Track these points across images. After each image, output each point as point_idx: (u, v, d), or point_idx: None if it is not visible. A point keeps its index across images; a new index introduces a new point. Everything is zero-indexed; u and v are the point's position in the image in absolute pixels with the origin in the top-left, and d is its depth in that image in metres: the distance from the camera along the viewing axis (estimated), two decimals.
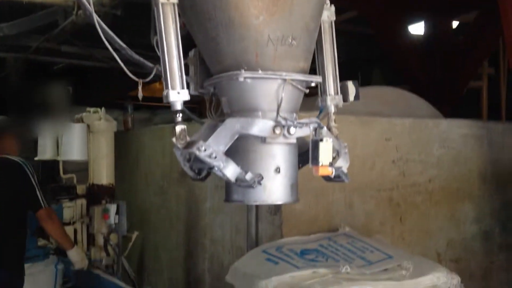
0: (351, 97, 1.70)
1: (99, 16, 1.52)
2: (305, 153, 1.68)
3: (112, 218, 3.83)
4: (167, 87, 1.46)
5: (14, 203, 3.05)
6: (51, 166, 4.27)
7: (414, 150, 3.29)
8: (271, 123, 1.50)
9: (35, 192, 2.99)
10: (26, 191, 3.00)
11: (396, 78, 5.76)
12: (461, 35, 5.52)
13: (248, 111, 1.55)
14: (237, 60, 1.49)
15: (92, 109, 4.24)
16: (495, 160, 3.58)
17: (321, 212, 2.93)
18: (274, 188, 1.55)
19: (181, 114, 1.48)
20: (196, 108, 1.69)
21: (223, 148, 1.46)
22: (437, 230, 3.35)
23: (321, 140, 1.45)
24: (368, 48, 6.16)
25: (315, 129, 1.50)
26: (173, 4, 1.45)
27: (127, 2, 3.73)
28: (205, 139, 1.47)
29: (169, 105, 1.48)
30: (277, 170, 1.55)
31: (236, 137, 1.49)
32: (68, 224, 3.92)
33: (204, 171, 1.64)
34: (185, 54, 1.52)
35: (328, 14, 1.70)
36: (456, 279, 2.32)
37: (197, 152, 1.43)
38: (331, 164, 1.48)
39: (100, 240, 3.96)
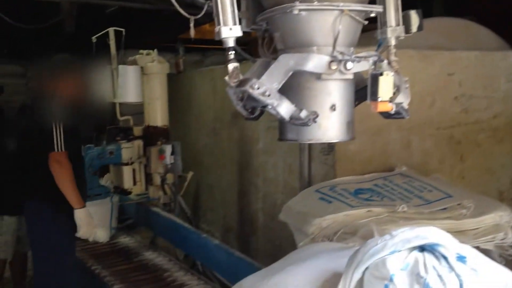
0: (414, 27, 1.58)
1: None
2: (362, 90, 1.61)
3: (168, 159, 3.94)
4: (218, 24, 1.42)
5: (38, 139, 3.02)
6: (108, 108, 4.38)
7: (479, 85, 3.11)
8: (327, 58, 1.43)
9: (51, 133, 2.85)
10: (45, 130, 2.89)
11: (459, 8, 5.37)
12: None
13: (302, 46, 1.48)
14: None
15: (145, 51, 4.27)
16: None
17: (376, 152, 2.87)
18: (330, 126, 1.50)
19: (233, 52, 1.44)
20: (245, 49, 1.64)
21: (277, 85, 1.41)
22: (500, 168, 3.21)
23: (381, 74, 1.37)
24: None
25: (375, 63, 1.41)
26: None
27: None
28: (258, 77, 1.43)
29: (220, 46, 1.44)
30: (333, 107, 1.49)
31: (290, 74, 1.44)
32: (126, 164, 4.07)
33: (257, 109, 1.61)
34: None
35: None
36: None
37: (251, 90, 1.39)
38: (391, 100, 1.41)
39: (157, 180, 4.10)
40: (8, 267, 3.96)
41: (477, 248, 1.99)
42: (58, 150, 2.83)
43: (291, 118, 1.40)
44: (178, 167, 4.01)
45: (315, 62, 1.43)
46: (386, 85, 1.38)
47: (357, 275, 1.37)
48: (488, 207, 2.27)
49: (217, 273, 3.28)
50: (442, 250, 1.30)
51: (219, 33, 1.42)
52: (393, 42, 1.57)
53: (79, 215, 2.87)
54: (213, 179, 4.52)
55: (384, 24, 1.57)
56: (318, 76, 1.46)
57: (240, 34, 1.43)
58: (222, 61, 1.45)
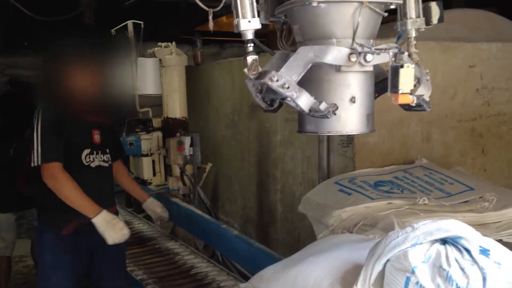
0: (435, 19, 1.55)
1: None
2: (381, 82, 1.60)
3: (187, 150, 3.97)
4: (237, 16, 1.42)
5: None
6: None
7: (501, 77, 3.06)
8: (346, 51, 1.42)
9: (33, 144, 2.37)
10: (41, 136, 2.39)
11: (480, 0, 5.26)
12: None
13: (321, 38, 1.48)
14: None
15: (163, 44, 4.29)
16: None
17: (396, 145, 2.85)
18: (349, 118, 1.50)
19: (252, 44, 1.44)
20: (264, 42, 1.64)
21: (296, 77, 1.41)
22: None
23: (402, 66, 1.36)
24: None
25: (395, 55, 1.40)
26: None
27: None
28: (277, 69, 1.43)
29: (238, 38, 1.44)
30: (352, 99, 1.48)
31: (309, 66, 1.43)
32: (146, 155, 4.12)
33: (276, 102, 1.62)
34: None
35: None
36: None
37: (270, 83, 1.39)
38: (411, 92, 1.39)
39: (176, 171, 4.14)
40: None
41: (500, 241, 1.97)
42: (48, 162, 2.34)
43: (311, 110, 1.40)
44: (197, 159, 4.04)
45: (335, 54, 1.42)
46: (407, 77, 1.36)
47: (378, 267, 1.37)
48: (510, 200, 2.24)
49: (237, 263, 3.31)
50: (464, 243, 1.30)
51: (237, 25, 1.42)
52: (413, 34, 1.55)
53: (98, 223, 2.38)
54: (231, 170, 4.54)
55: (404, 15, 1.56)
56: (337, 68, 1.46)
57: (259, 26, 1.42)
58: (240, 53, 1.46)
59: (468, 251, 1.28)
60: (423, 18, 1.56)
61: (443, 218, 1.43)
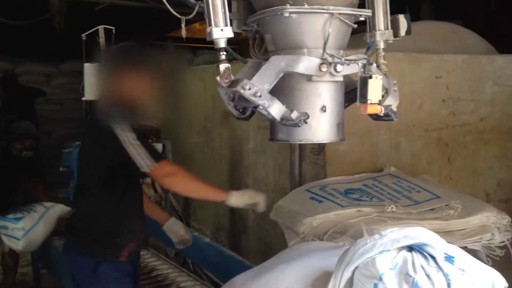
0: (403, 31, 1.60)
1: None
2: (351, 92, 1.63)
3: None
4: (210, 24, 1.43)
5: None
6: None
7: (466, 88, 3.15)
8: (317, 61, 1.45)
9: (129, 153, 2.13)
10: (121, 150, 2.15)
11: (447, 13, 5.42)
12: None
13: (293, 48, 1.50)
14: None
15: None
16: None
17: (365, 153, 2.90)
18: (320, 127, 1.53)
19: (224, 52, 1.45)
20: (237, 49, 1.65)
21: (268, 86, 1.43)
22: (487, 170, 3.26)
23: (370, 77, 1.39)
24: None
25: (364, 66, 1.43)
26: None
27: None
28: (250, 77, 1.44)
29: (211, 45, 1.44)
30: (323, 108, 1.51)
31: (281, 75, 1.45)
32: None
33: (248, 110, 1.63)
34: None
35: None
36: (506, 219, 2.26)
37: (242, 91, 1.40)
38: (380, 102, 1.43)
39: (147, 178, 4.09)
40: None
41: (465, 248, 2.03)
42: (159, 161, 2.09)
43: (282, 118, 1.42)
44: None
45: (306, 64, 1.44)
46: (375, 88, 1.40)
47: (347, 274, 1.39)
48: (475, 208, 2.30)
49: (208, 271, 3.29)
50: (430, 250, 1.33)
51: (210, 33, 1.43)
52: (382, 45, 1.60)
53: (236, 202, 2.19)
54: (204, 177, 4.49)
55: (373, 27, 1.60)
56: (308, 78, 1.48)
57: (231, 35, 1.44)
58: (213, 60, 1.46)
59: (433, 258, 1.31)
60: (391, 30, 1.61)
61: (410, 226, 1.46)
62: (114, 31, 4.09)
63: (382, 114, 1.48)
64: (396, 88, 1.56)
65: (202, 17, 1.46)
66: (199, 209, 4.66)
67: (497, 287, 1.37)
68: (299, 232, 2.22)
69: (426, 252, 1.33)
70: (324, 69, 1.44)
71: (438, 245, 1.34)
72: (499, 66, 3.26)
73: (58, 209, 3.57)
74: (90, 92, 4.21)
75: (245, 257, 3.13)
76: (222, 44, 1.43)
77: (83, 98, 4.25)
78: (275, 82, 1.44)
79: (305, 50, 1.48)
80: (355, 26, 1.53)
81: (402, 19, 1.61)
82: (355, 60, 1.46)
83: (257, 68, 1.50)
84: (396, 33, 1.61)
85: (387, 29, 1.60)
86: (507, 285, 1.39)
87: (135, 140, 2.07)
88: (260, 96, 1.40)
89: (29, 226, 3.44)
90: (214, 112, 4.24)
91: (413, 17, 1.65)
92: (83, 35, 4.08)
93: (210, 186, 2.27)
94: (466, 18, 4.98)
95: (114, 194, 2.21)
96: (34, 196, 3.66)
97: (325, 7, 1.42)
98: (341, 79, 1.52)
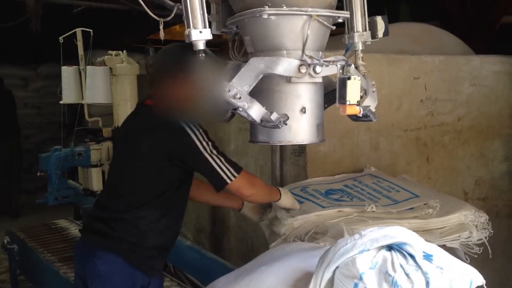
0: (380, 33, 1.62)
1: None
2: (331, 93, 1.65)
3: None
4: (188, 27, 1.43)
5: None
6: (76, 110, 4.31)
7: (444, 88, 3.20)
8: (296, 62, 1.46)
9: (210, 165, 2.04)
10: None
11: (424, 14, 5.51)
12: None
13: (272, 50, 1.51)
14: None
15: (113, 52, 4.21)
16: None
17: (346, 153, 2.92)
18: (300, 128, 1.54)
19: (203, 54, 1.44)
20: (217, 51, 1.64)
21: (247, 88, 1.43)
22: (465, 169, 3.32)
23: (349, 78, 1.40)
24: None
25: (343, 67, 1.45)
26: None
27: None
28: (229, 79, 1.44)
29: None
30: (303, 110, 1.52)
31: (260, 77, 1.46)
32: (96, 166, 4.00)
33: (228, 112, 1.63)
34: None
35: None
36: (483, 217, 2.30)
37: (221, 93, 1.40)
38: (358, 103, 1.44)
39: None
40: None
41: (443, 246, 2.06)
42: (240, 172, 1.99)
43: (262, 120, 1.42)
44: None
45: (285, 65, 1.45)
46: (353, 88, 1.41)
47: (327, 274, 1.40)
48: (453, 207, 2.33)
49: (189, 274, 3.27)
50: (409, 249, 1.35)
51: (189, 36, 1.42)
52: (360, 47, 1.62)
53: (283, 203, 2.17)
54: None
55: (352, 29, 1.62)
56: (288, 79, 1.49)
57: (210, 37, 1.44)
58: None
59: (412, 256, 1.33)
60: (369, 32, 1.63)
61: (390, 225, 1.48)
62: (92, 34, 4.05)
63: (361, 115, 1.49)
64: (374, 89, 1.58)
65: (181, 19, 1.45)
66: None
67: (475, 284, 1.39)
68: (280, 234, 2.22)
69: (405, 251, 1.34)
70: (303, 70, 1.45)
71: (416, 244, 1.36)
72: (475, 66, 3.31)
73: None
74: (68, 95, 4.16)
75: (227, 259, 3.12)
76: (201, 46, 1.43)
77: (61, 102, 4.20)
78: (254, 84, 1.45)
79: (284, 51, 1.49)
80: (334, 28, 1.54)
81: (380, 21, 1.63)
82: (333, 61, 1.47)
83: (236, 70, 1.50)
84: (374, 35, 1.63)
85: (365, 30, 1.62)
86: (484, 282, 1.42)
87: (215, 149, 1.95)
88: (240, 98, 1.40)
89: None
90: None
91: (392, 18, 1.67)
92: (61, 38, 4.03)
93: (271, 188, 2.23)
94: (443, 18, 5.06)
95: (170, 208, 2.09)
96: None
97: (303, 9, 1.44)
98: (320, 80, 1.53)
